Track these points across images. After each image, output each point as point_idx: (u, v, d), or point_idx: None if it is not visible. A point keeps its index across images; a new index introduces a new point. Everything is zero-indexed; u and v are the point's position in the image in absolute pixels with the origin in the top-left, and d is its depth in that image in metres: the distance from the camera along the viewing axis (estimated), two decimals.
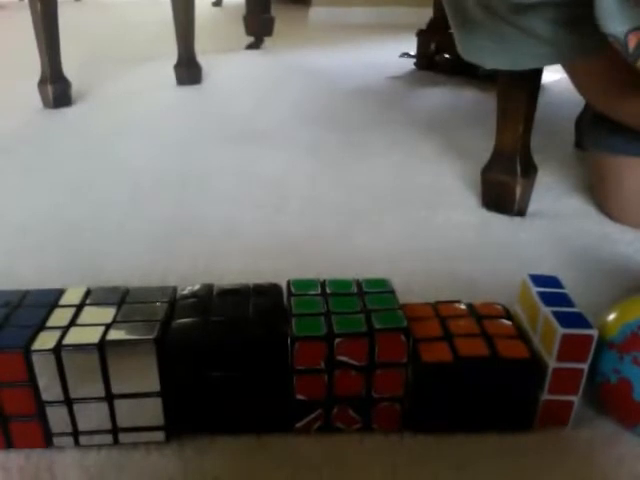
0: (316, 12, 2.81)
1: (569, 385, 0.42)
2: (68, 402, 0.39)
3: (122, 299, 0.43)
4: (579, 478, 0.40)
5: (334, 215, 0.78)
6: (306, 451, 0.42)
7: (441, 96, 1.43)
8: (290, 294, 0.44)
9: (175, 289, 0.46)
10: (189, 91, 1.43)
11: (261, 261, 0.65)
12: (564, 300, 0.43)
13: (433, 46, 1.66)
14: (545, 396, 0.42)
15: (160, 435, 0.41)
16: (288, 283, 0.46)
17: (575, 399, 0.42)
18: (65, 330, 0.40)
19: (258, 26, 1.92)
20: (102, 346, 0.38)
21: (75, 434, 0.41)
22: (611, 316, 0.43)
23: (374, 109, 1.32)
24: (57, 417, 0.40)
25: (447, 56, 1.61)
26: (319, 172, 0.93)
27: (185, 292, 0.45)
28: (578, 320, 0.41)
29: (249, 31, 1.93)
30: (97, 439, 0.41)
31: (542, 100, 0.76)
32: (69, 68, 1.28)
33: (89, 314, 0.42)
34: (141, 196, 0.83)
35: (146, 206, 0.80)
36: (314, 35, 2.41)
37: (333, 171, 0.93)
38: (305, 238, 0.71)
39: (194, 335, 0.40)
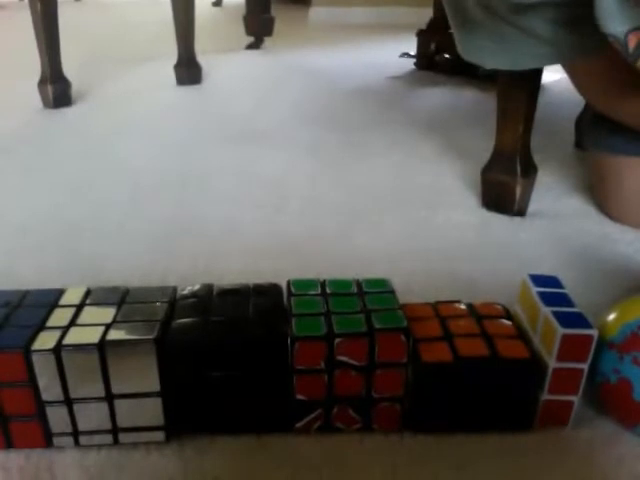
0: (316, 12, 2.81)
1: (569, 385, 0.42)
2: (68, 402, 0.39)
3: (122, 299, 0.43)
4: (579, 478, 0.40)
5: (334, 215, 0.78)
6: (306, 451, 0.42)
7: (441, 96, 1.43)
8: (290, 294, 0.44)
9: (175, 289, 0.46)
10: (189, 91, 1.43)
11: (261, 261, 0.65)
12: (564, 300, 0.43)
13: (433, 46, 1.66)
14: (545, 396, 0.42)
15: (160, 435, 0.41)
16: (288, 283, 0.46)
17: (575, 399, 0.42)
18: (65, 330, 0.40)
19: (258, 26, 1.92)
20: (102, 346, 0.38)
21: (75, 434, 0.41)
22: (611, 316, 0.43)
23: (374, 109, 1.32)
24: (57, 417, 0.40)
25: (447, 56, 1.61)
26: (319, 172, 0.93)
27: (185, 292, 0.45)
28: (578, 320, 0.41)
29: (249, 31, 1.93)
30: (97, 439, 0.41)
31: (542, 100, 0.76)
32: (69, 68, 1.28)
33: (89, 314, 0.42)
34: (141, 196, 0.83)
35: (146, 206, 0.80)
36: (314, 35, 2.41)
37: (333, 171, 0.93)
38: (305, 238, 0.71)
39: (194, 335, 0.40)
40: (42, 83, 1.24)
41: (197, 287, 0.46)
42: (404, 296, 0.45)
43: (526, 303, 0.45)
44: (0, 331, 0.40)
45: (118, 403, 0.40)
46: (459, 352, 0.41)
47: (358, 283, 0.46)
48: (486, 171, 0.79)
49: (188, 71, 1.45)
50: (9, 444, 0.41)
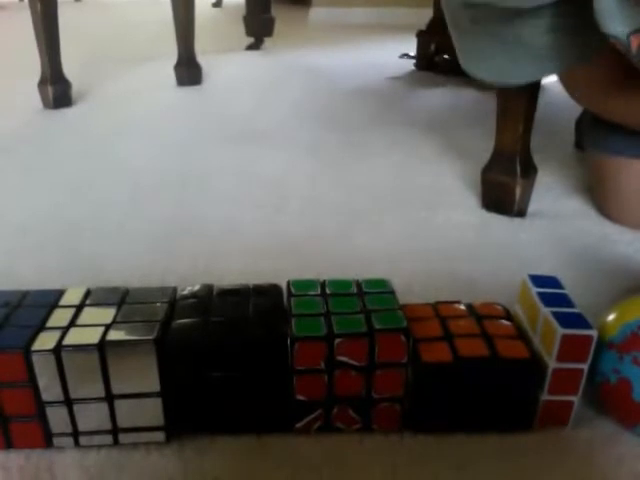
0: (316, 12, 2.81)
1: (569, 385, 0.42)
2: (68, 402, 0.39)
3: (122, 299, 0.43)
4: (579, 478, 0.40)
5: (334, 215, 0.78)
6: (306, 451, 0.42)
7: (441, 96, 1.43)
8: (290, 294, 0.44)
9: (175, 289, 0.46)
10: (189, 91, 1.43)
11: (261, 261, 0.65)
12: (564, 300, 0.43)
13: (433, 47, 1.66)
14: (545, 396, 0.42)
15: (160, 435, 0.41)
16: (288, 283, 0.46)
17: (575, 399, 0.42)
18: (65, 330, 0.40)
19: (258, 26, 1.92)
20: (102, 346, 0.38)
21: (75, 434, 0.41)
22: (611, 316, 0.44)
23: (374, 109, 1.32)
24: (57, 417, 0.40)
25: (447, 57, 1.61)
26: (319, 172, 0.93)
27: (185, 292, 0.45)
28: (578, 320, 0.41)
29: (249, 31, 1.93)
30: (97, 439, 0.41)
31: (542, 100, 0.76)
32: (69, 68, 1.28)
33: (89, 314, 0.42)
34: (141, 196, 0.83)
35: (146, 206, 0.80)
36: (314, 35, 2.41)
37: (333, 171, 0.93)
38: (305, 238, 0.71)
39: (194, 335, 0.40)
40: (42, 83, 1.24)
41: (197, 287, 0.46)
42: (404, 296, 0.45)
43: (526, 303, 0.45)
44: (0, 331, 0.40)
45: (118, 403, 0.40)
46: (459, 352, 0.41)
47: (358, 283, 0.46)
48: (486, 171, 0.79)
49: (188, 71, 1.45)
50: (9, 444, 0.41)
